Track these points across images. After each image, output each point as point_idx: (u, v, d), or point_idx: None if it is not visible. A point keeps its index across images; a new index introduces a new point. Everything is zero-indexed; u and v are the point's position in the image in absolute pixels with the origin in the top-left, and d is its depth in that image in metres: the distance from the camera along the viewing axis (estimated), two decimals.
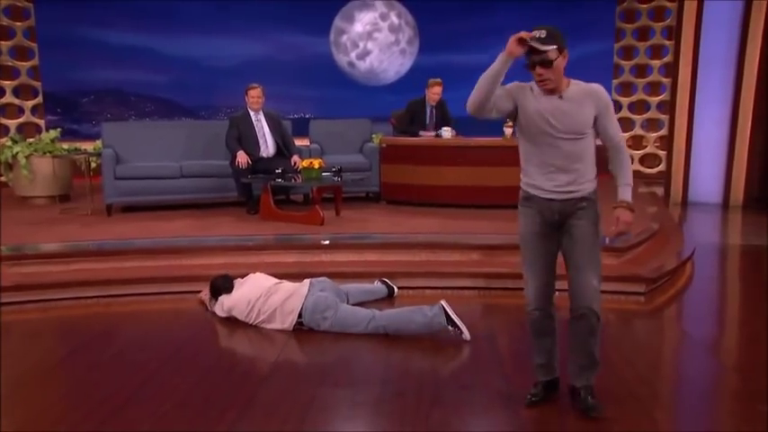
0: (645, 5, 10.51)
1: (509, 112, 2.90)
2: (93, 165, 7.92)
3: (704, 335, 4.27)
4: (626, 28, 10.77)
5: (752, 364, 3.67)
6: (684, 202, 8.98)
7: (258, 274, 4.50)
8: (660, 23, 10.56)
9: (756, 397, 3.17)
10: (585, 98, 2.84)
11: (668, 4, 10.18)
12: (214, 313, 4.40)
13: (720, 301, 5.26)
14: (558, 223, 2.93)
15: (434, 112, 7.61)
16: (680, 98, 8.99)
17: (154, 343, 4.06)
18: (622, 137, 2.96)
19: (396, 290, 4.84)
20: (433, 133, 7.44)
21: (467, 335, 3.90)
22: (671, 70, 9.58)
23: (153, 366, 3.59)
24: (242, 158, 6.65)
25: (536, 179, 2.91)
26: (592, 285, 2.86)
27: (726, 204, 8.81)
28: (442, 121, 7.53)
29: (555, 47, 2.74)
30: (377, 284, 4.81)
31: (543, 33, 2.73)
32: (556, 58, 2.75)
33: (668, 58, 10.28)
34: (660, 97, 10.66)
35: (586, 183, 2.89)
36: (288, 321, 4.10)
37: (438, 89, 7.48)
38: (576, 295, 2.90)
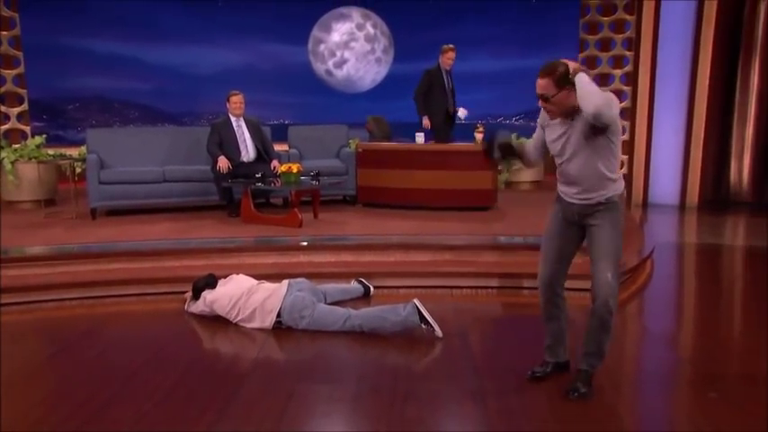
0: (606, 18, 10.60)
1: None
2: (78, 170, 7.76)
3: (663, 329, 4.32)
4: (589, 39, 10.84)
5: (704, 356, 3.74)
6: (645, 204, 9.09)
7: (240, 275, 4.45)
8: (621, 35, 10.65)
9: (708, 385, 3.23)
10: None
11: (628, 18, 10.29)
12: (192, 314, 4.33)
13: (678, 297, 5.33)
14: (578, 223, 3.08)
15: (450, 78, 7.60)
16: (640, 106, 9.11)
17: (136, 343, 4.00)
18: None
19: (372, 289, 4.82)
20: (452, 108, 7.46)
21: (439, 332, 3.90)
22: (631, 79, 9.70)
23: (135, 366, 3.53)
24: (222, 163, 6.59)
25: (561, 185, 3.13)
26: (605, 278, 2.96)
27: (683, 206, 8.93)
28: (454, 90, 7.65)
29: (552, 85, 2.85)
30: (353, 284, 4.80)
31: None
32: (553, 95, 2.87)
33: (629, 68, 10.38)
34: (622, 104, 10.74)
35: (602, 191, 2.99)
36: (267, 320, 4.07)
37: (452, 54, 7.46)
38: (593, 288, 3.02)
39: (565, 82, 2.85)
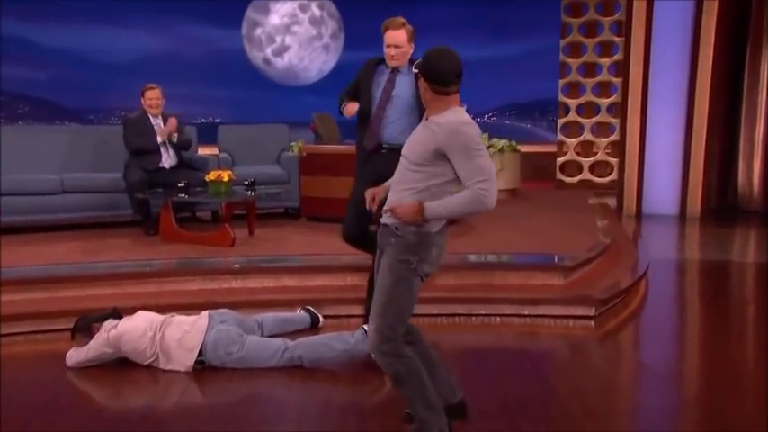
0: None
1: None
2: None
3: (661, 362, 4.37)
4: (572, 23, 11.10)
5: (712, 394, 3.77)
6: (639, 215, 9.27)
7: (144, 311, 4.35)
8: (608, 18, 10.94)
9: (718, 429, 3.26)
10: (438, 130, 2.87)
11: None
12: (80, 363, 4.16)
13: (678, 323, 5.42)
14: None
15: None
16: (631, 100, 9.29)
17: (24, 392, 3.86)
18: (483, 181, 2.82)
19: (321, 319, 4.80)
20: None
21: None
22: (622, 69, 9.91)
23: (22, 420, 3.42)
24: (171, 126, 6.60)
25: None
26: (369, 329, 2.98)
27: (683, 216, 9.14)
28: None
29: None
30: (300, 313, 4.76)
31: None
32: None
33: (618, 56, 10.65)
34: (611, 99, 11.02)
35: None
36: (188, 360, 4.02)
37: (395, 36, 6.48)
38: None
39: (428, 73, 2.94)
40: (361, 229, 4.41)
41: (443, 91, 2.87)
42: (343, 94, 4.63)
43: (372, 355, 3.00)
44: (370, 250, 4.16)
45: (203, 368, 4.02)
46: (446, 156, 2.83)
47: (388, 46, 4.35)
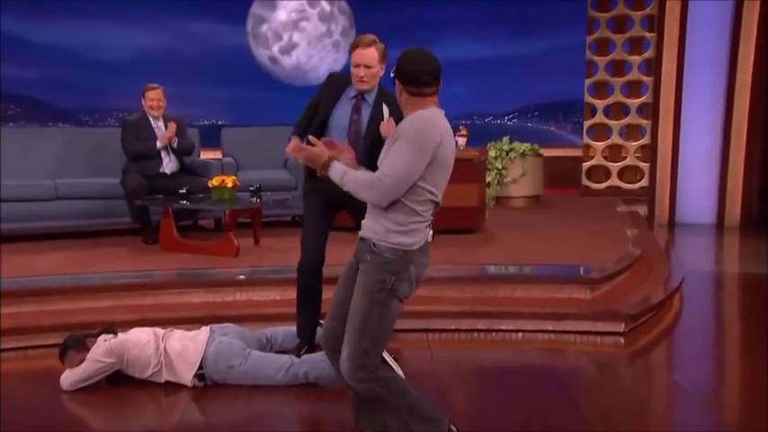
0: None
1: None
2: None
3: (697, 384, 4.31)
4: (600, 17, 11.07)
5: (757, 422, 3.69)
6: (672, 223, 9.22)
7: (141, 328, 4.36)
8: (639, 12, 10.90)
9: None
10: (402, 123, 2.93)
11: None
12: (77, 384, 4.16)
13: (716, 341, 5.38)
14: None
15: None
16: (664, 100, 9.24)
17: (14, 412, 3.87)
18: (390, 177, 2.83)
19: None
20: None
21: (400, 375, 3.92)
22: (653, 67, 9.86)
23: None
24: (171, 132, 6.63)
25: None
26: (343, 355, 2.94)
27: (720, 225, 9.08)
28: None
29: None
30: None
31: None
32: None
33: (650, 53, 10.60)
34: (641, 99, 10.98)
35: (376, 225, 2.91)
36: (190, 373, 4.04)
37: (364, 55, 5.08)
38: None
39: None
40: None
41: (418, 92, 2.88)
42: (300, 122, 4.32)
43: (354, 382, 2.93)
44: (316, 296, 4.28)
45: (204, 384, 4.04)
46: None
47: (357, 65, 4.03)
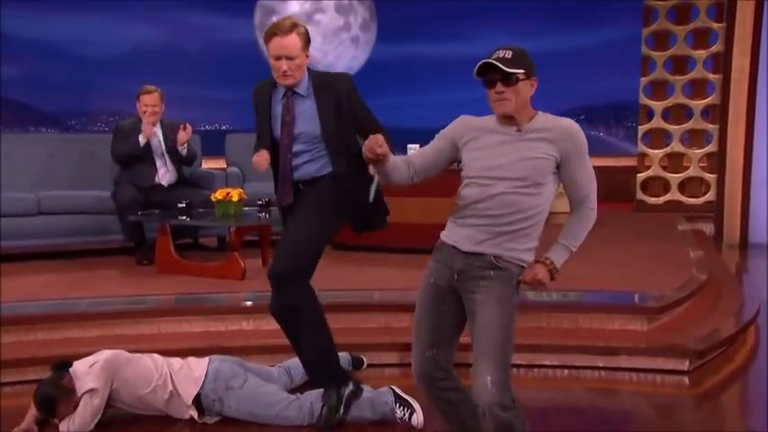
0: None
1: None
2: None
3: None
4: (658, 7, 11.05)
5: None
6: (744, 244, 9.14)
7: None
8: (705, 0, 10.86)
9: None
10: (552, 134, 3.03)
11: None
12: (81, 406, 4.20)
13: None
14: (454, 290, 3.13)
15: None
16: (734, 101, 9.20)
17: None
18: (593, 193, 3.13)
19: (365, 362, 4.93)
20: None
21: (419, 419, 3.99)
22: (721, 63, 9.83)
23: None
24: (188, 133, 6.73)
25: (457, 225, 3.20)
26: (483, 383, 2.98)
27: None
28: None
29: (522, 70, 3.00)
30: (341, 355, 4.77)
31: (509, 54, 3.00)
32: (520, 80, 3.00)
33: (717, 48, 10.57)
34: (706, 101, 10.93)
35: (511, 243, 3.06)
36: (195, 388, 4.12)
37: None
38: (473, 390, 3.05)
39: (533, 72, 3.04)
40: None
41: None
42: (258, 140, 4.28)
43: (484, 412, 2.94)
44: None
45: (206, 424, 4.12)
46: (560, 165, 3.01)
47: (278, 58, 3.79)
